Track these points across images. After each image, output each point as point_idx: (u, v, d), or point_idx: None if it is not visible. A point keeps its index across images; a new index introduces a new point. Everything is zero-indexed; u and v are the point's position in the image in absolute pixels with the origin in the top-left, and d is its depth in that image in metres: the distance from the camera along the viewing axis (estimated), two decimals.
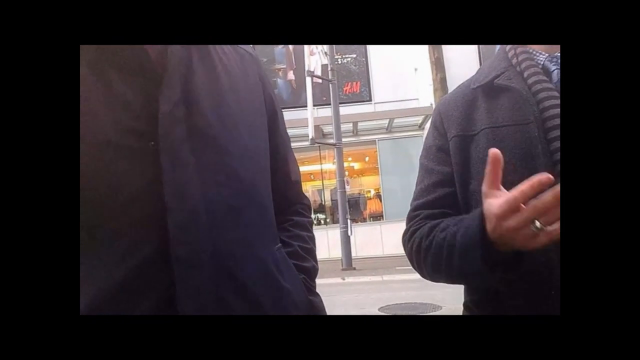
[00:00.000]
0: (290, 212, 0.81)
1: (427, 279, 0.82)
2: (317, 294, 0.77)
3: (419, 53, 11.11)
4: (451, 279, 0.74)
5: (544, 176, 0.54)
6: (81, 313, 0.52)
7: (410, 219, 0.82)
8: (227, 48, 0.71)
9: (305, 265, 0.77)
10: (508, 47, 0.83)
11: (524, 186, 0.55)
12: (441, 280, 0.76)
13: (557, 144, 0.68)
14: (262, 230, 0.68)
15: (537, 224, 0.55)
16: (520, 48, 0.80)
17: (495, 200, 0.58)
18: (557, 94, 0.72)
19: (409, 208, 0.85)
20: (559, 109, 0.70)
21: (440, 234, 0.72)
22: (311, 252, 0.80)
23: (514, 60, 0.80)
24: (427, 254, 0.75)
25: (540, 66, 0.77)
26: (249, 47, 0.77)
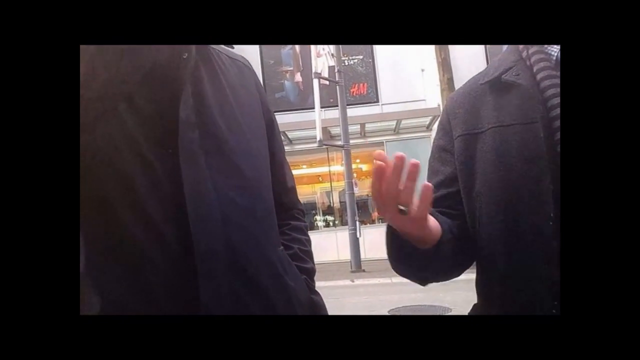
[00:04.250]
0: (287, 217, 0.85)
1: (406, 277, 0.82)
2: (318, 293, 0.82)
3: (426, 54, 11.06)
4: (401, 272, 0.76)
5: (377, 154, 0.56)
6: (105, 312, 0.57)
7: None
8: (225, 60, 0.76)
9: (306, 266, 0.81)
10: None
11: (373, 176, 0.57)
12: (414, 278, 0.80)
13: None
14: (268, 231, 0.72)
15: (401, 207, 0.59)
16: None
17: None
18: None
19: None
20: None
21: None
22: (309, 254, 0.85)
23: (524, 53, 0.76)
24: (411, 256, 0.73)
25: (554, 59, 0.72)
26: (245, 60, 0.83)
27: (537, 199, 0.66)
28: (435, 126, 8.80)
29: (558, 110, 0.67)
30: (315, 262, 0.86)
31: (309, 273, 0.82)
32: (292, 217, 0.86)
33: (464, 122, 0.78)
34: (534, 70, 0.72)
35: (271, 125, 0.82)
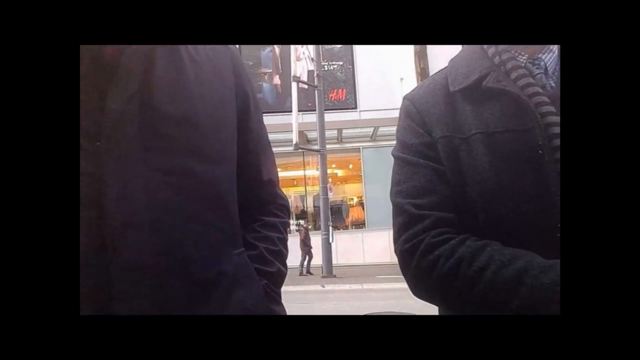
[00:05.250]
0: (261, 212, 0.76)
1: (435, 303, 0.71)
2: (280, 303, 0.73)
3: (405, 63, 11.21)
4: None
5: None
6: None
7: (413, 220, 0.69)
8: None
9: (269, 269, 0.72)
10: (486, 45, 0.76)
11: None
12: (464, 312, 0.66)
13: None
14: (219, 233, 0.64)
15: None
16: (501, 47, 0.74)
17: None
18: (548, 99, 0.68)
19: (395, 207, 0.74)
20: (556, 116, 0.66)
21: (506, 272, 0.61)
22: (279, 254, 0.75)
23: (497, 60, 0.74)
24: (472, 286, 0.62)
25: (524, 68, 0.72)
26: None
27: (544, 209, 0.63)
28: None
29: (549, 118, 0.66)
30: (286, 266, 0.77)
31: (273, 277, 0.72)
32: (267, 213, 0.77)
33: (443, 124, 0.73)
34: (512, 77, 0.71)
35: (246, 114, 0.73)
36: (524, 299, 0.58)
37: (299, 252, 10.18)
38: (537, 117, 0.66)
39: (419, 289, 0.69)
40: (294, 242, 10.33)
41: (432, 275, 0.65)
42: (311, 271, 10.12)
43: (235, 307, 0.63)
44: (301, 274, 10.03)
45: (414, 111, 0.77)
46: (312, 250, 10.25)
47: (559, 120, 0.65)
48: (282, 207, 0.80)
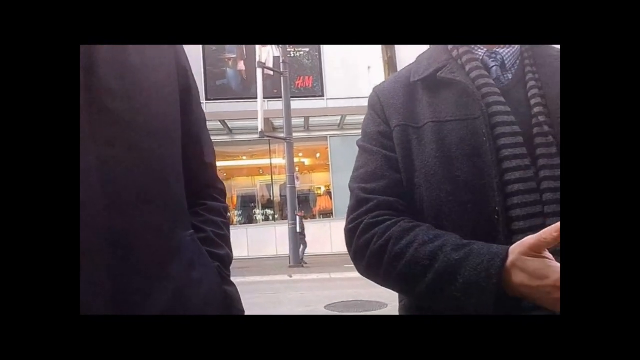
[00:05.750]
0: (203, 196, 0.78)
1: (373, 280, 0.75)
2: (233, 284, 0.76)
3: (372, 51, 11.15)
4: (421, 297, 0.68)
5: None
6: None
7: (359, 203, 0.75)
8: None
9: (219, 252, 0.74)
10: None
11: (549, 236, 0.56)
12: (396, 290, 0.74)
13: (504, 140, 0.69)
14: (170, 213, 0.64)
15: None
16: None
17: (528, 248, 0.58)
18: (498, 90, 0.73)
19: (350, 191, 0.79)
20: (502, 106, 0.71)
21: (425, 249, 0.66)
22: (225, 238, 0.78)
23: (454, 53, 0.79)
24: (397, 262, 0.68)
25: (479, 61, 0.76)
26: None
27: (483, 193, 0.68)
28: None
29: (495, 108, 0.71)
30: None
31: (223, 260, 0.75)
32: (208, 197, 0.79)
33: (400, 114, 0.78)
34: (467, 69, 0.76)
35: (187, 92, 0.74)
36: (436, 274, 0.64)
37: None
38: (482, 107, 0.71)
39: (359, 267, 0.75)
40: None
41: (366, 253, 0.71)
42: (305, 261, 9.95)
43: (194, 287, 0.65)
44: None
45: (377, 102, 0.82)
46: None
47: (504, 110, 0.71)
48: (221, 192, 0.83)
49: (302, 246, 10.16)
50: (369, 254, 0.70)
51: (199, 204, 0.77)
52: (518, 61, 0.77)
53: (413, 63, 0.85)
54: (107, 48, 0.60)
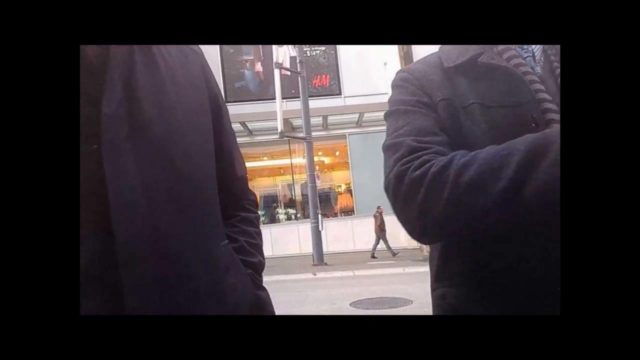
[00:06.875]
0: (237, 208, 0.83)
1: (430, 213, 0.64)
2: (264, 289, 0.81)
3: (388, 47, 11.09)
4: (497, 203, 0.60)
5: None
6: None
7: (412, 150, 0.68)
8: (170, 46, 0.73)
9: (252, 260, 0.79)
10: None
11: None
12: (460, 216, 0.63)
13: (552, 126, 0.67)
14: (208, 227, 0.70)
15: None
16: None
17: None
18: (538, 79, 0.72)
19: (391, 148, 0.71)
20: (546, 93, 0.70)
21: (496, 149, 0.62)
22: (258, 247, 0.83)
23: None
24: (465, 170, 0.62)
25: (514, 50, 0.76)
26: (194, 45, 0.80)
27: None
28: None
29: (542, 95, 0.70)
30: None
31: (256, 267, 0.80)
32: (242, 209, 0.84)
33: (443, 89, 0.75)
34: (505, 57, 0.75)
35: (219, 115, 0.79)
36: (518, 163, 0.59)
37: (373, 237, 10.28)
38: (532, 92, 0.70)
39: (411, 203, 0.66)
40: (369, 227, 10.54)
41: (424, 182, 0.64)
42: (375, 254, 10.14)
43: (229, 293, 0.70)
44: (373, 256, 10.00)
45: (411, 77, 0.79)
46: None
47: (549, 98, 0.70)
48: (253, 202, 0.87)
49: (380, 241, 10.27)
50: (430, 176, 0.64)
51: (234, 215, 0.81)
52: (544, 55, 0.77)
53: (437, 52, 0.82)
54: (142, 77, 0.65)
